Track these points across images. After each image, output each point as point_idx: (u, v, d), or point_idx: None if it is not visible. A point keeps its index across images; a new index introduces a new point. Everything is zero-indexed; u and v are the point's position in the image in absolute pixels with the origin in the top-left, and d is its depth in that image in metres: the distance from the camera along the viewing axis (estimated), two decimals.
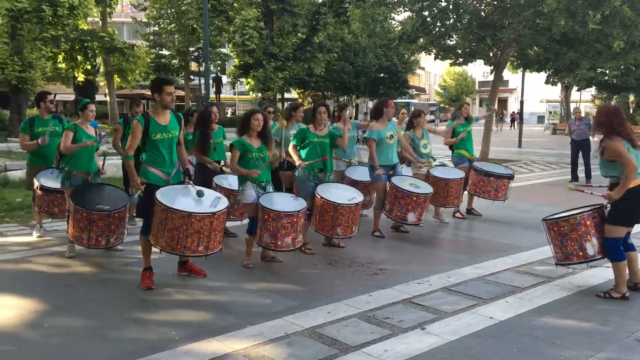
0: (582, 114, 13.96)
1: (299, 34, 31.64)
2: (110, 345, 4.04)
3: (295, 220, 5.76)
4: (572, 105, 43.86)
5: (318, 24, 30.66)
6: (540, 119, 56.71)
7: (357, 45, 37.94)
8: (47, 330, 4.31)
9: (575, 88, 40.00)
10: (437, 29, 16.77)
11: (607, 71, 30.78)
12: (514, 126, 32.97)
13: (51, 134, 6.82)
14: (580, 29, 13.41)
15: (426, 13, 16.62)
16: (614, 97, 40.34)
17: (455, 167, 8.70)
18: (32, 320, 4.49)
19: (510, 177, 8.47)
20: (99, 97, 40.73)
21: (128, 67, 32.10)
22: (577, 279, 5.60)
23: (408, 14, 17.57)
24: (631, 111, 42.41)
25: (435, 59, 18.97)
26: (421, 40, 17.24)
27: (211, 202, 5.17)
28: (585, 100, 49.05)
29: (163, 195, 5.02)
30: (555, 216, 5.53)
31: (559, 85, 38.50)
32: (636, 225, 5.14)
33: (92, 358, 3.85)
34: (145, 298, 5.03)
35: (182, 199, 5.12)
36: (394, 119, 7.80)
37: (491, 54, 18.17)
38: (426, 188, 7.29)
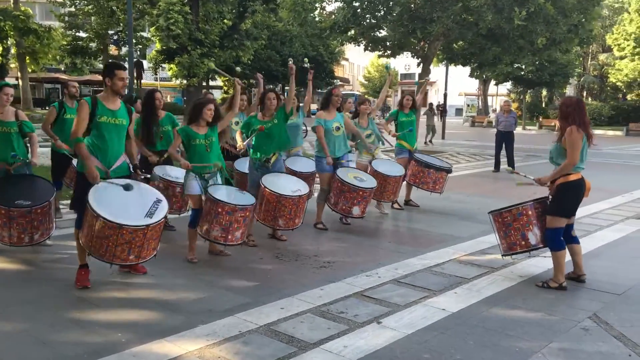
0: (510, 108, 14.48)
1: (225, 20, 30.95)
2: (50, 350, 3.74)
3: (247, 214, 5.61)
4: (490, 99, 45.78)
5: (246, 11, 30.11)
6: (459, 112, 58.73)
7: (288, 33, 37.68)
8: None
9: (493, 82, 41.68)
10: (367, 20, 16.88)
11: (524, 66, 32.29)
12: (439, 119, 34.01)
13: None
14: (506, 24, 13.92)
15: (357, 4, 16.70)
16: (529, 91, 42.41)
17: (396, 157, 8.77)
18: None
19: (449, 171, 8.63)
20: (10, 81, 38.19)
21: (41, 50, 30.31)
22: (519, 268, 5.77)
23: (339, 4, 17.60)
24: (543, 105, 44.79)
25: (365, 50, 19.16)
26: (352, 31, 17.31)
27: (148, 208, 4.73)
28: (501, 94, 51.27)
29: (96, 197, 4.59)
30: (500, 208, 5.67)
31: (477, 79, 40.04)
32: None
33: None
34: (82, 297, 4.71)
35: (117, 200, 4.69)
36: (347, 113, 7.82)
37: (419, 47, 18.54)
38: (371, 182, 7.29)
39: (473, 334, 4.13)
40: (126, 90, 5.48)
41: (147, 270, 5.35)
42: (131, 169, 5.19)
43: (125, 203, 4.73)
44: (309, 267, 5.72)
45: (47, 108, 36.48)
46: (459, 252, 6.34)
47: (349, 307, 4.58)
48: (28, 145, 6.12)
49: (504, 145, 14.04)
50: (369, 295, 4.88)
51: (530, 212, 5.42)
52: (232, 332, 4.06)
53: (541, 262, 5.91)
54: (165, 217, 4.86)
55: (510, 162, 13.91)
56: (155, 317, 4.35)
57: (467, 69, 36.36)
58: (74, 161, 6.82)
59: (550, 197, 5.31)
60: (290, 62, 6.75)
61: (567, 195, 5.15)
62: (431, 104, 23.52)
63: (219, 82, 45.28)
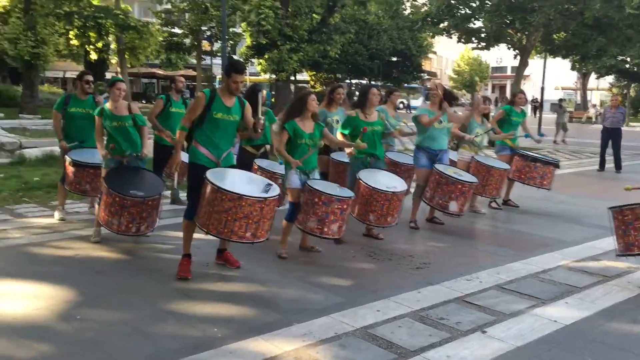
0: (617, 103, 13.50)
1: (314, 15, 31.04)
2: (151, 343, 3.75)
3: (345, 207, 5.49)
4: (589, 93, 43.27)
5: (335, 4, 30.03)
6: (554, 107, 56.04)
7: (377, 26, 37.30)
8: (80, 324, 4.02)
9: (593, 76, 39.31)
10: (462, 11, 16.28)
11: (628, 59, 30.17)
12: (535, 114, 32.47)
13: (85, 116, 6.57)
14: (616, 13, 12.92)
15: None
16: (633, 85, 39.64)
17: (497, 154, 8.36)
18: (63, 312, 4.21)
19: (557, 165, 8.13)
20: (110, 75, 40.36)
21: (140, 45, 31.66)
22: (636, 278, 5.27)
23: None
24: None
25: (458, 42, 18.52)
26: (445, 23, 16.76)
27: (263, 187, 4.89)
28: (602, 88, 48.33)
29: (214, 176, 4.74)
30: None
31: (575, 72, 37.89)
32: None
33: (132, 356, 3.56)
34: (180, 288, 4.73)
35: (232, 180, 4.85)
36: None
37: (516, 39, 17.68)
38: (471, 177, 6.96)
39: (591, 350, 3.75)
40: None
41: (240, 264, 5.32)
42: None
43: (240, 182, 4.88)
44: (405, 267, 5.49)
45: (143, 102, 38.31)
46: (567, 257, 5.89)
47: (450, 313, 4.32)
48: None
49: (610, 142, 13.11)
50: (471, 301, 4.59)
51: None
52: (328, 333, 3.92)
53: None
54: (279, 195, 4.93)
55: (617, 162, 12.98)
56: (250, 313, 4.29)
57: (564, 62, 34.50)
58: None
59: None
60: None
61: None
62: (561, 100, 22.14)
63: (306, 76, 45.60)
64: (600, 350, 3.77)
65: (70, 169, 6.50)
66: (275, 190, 4.88)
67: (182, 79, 7.54)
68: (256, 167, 6.55)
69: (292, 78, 36.80)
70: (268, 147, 6.93)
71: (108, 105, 5.96)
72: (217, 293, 4.72)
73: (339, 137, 6.31)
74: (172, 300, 4.47)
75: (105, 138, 6.03)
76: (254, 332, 3.92)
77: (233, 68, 4.93)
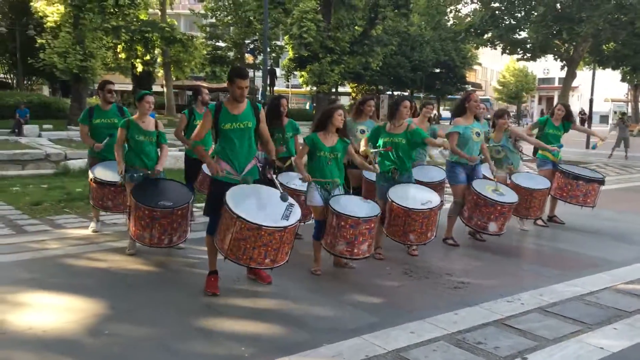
0: None
1: (356, 27, 31.02)
2: (175, 359, 3.67)
3: (372, 225, 5.31)
4: None
5: (377, 17, 29.94)
6: (603, 119, 54.32)
7: (420, 37, 37.01)
8: (108, 338, 3.98)
9: None
10: (507, 22, 15.92)
11: None
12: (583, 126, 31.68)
13: (111, 125, 6.59)
14: None
15: (496, 4, 15.80)
16: None
17: (538, 169, 8.04)
18: (92, 326, 4.18)
19: (601, 182, 7.74)
20: (155, 88, 41.28)
21: (185, 58, 32.28)
22: None
23: (475, 6, 16.79)
24: None
25: (502, 53, 18.11)
26: (489, 33, 16.42)
27: (283, 211, 4.68)
28: None
29: (234, 200, 4.58)
30: None
31: (626, 84, 36.67)
32: None
33: None
34: (209, 304, 4.66)
35: (252, 202, 4.69)
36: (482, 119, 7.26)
37: (563, 49, 17.17)
38: (511, 196, 6.64)
39: None
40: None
41: (272, 280, 5.22)
42: (261, 170, 5.10)
43: (260, 205, 4.71)
44: (442, 286, 5.28)
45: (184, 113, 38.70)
46: (616, 279, 5.56)
47: (488, 337, 4.10)
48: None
49: None
50: (511, 324, 4.35)
51: None
52: (358, 355, 3.76)
53: None
54: (299, 220, 4.74)
55: None
56: (279, 332, 4.17)
57: (614, 73, 33.43)
58: (204, 166, 6.95)
59: None
60: None
61: None
62: (623, 114, 21.37)
63: (347, 88, 45.58)
64: None
65: (93, 185, 6.56)
66: (295, 215, 4.69)
67: (207, 91, 7.46)
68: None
69: (334, 90, 36.88)
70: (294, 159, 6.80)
71: (136, 118, 5.97)
72: (246, 309, 4.62)
73: (363, 145, 6.10)
74: (201, 316, 4.40)
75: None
76: (282, 351, 3.79)
77: (235, 73, 4.83)
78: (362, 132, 7.00)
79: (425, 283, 5.38)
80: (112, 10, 21.85)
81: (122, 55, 30.61)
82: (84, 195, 8.84)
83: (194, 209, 7.47)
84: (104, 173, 6.54)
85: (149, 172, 5.92)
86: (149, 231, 5.53)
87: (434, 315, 4.49)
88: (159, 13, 33.84)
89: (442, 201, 6.39)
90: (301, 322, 4.35)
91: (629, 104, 42.62)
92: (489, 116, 7.98)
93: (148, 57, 32.28)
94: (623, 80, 31.42)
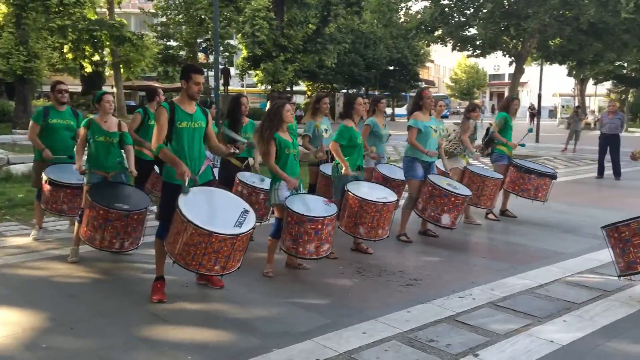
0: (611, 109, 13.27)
1: (309, 25, 30.96)
2: None
3: (319, 226, 5.18)
4: (587, 99, 43.18)
5: (329, 14, 29.96)
6: (551, 114, 55.88)
7: (373, 35, 37.22)
8: (45, 352, 3.77)
9: (591, 82, 39.18)
10: (456, 19, 16.10)
11: (625, 64, 30.05)
12: (532, 121, 32.36)
13: (67, 127, 6.39)
14: (611, 18, 12.73)
15: (445, 2, 15.96)
16: (631, 90, 39.48)
17: (493, 163, 8.15)
18: (29, 340, 3.95)
19: (553, 177, 7.88)
20: (105, 89, 40.26)
21: (135, 58, 31.54)
22: (637, 292, 5.01)
23: (425, 3, 16.94)
24: None
25: (452, 50, 18.34)
26: (439, 30, 16.59)
27: (237, 217, 4.54)
28: (600, 94, 48.22)
29: (186, 204, 4.42)
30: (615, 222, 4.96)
31: (573, 78, 37.78)
32: None
33: None
34: (155, 312, 4.48)
35: (205, 206, 4.56)
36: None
37: (511, 45, 17.49)
38: (465, 190, 6.73)
39: None
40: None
41: (223, 284, 5.07)
42: (213, 174, 5.04)
43: (214, 210, 4.60)
44: (394, 284, 5.23)
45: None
46: (565, 271, 5.63)
47: (440, 335, 4.06)
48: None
49: (608, 149, 12.88)
50: (463, 320, 4.33)
51: None
52: (309, 359, 3.66)
53: None
54: (253, 228, 4.59)
55: (616, 168, 12.75)
56: (227, 338, 4.04)
57: (562, 68, 34.34)
58: (157, 167, 6.75)
59: None
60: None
61: None
62: (578, 107, 21.68)
63: (302, 87, 45.51)
64: None
65: (47, 187, 6.25)
66: (249, 223, 4.54)
67: (161, 92, 7.30)
68: (237, 181, 6.30)
69: (289, 88, 36.73)
70: (251, 160, 6.70)
71: (97, 119, 5.74)
72: (194, 316, 4.47)
73: (335, 148, 6.04)
74: (146, 326, 4.22)
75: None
76: (230, 359, 3.67)
77: (191, 69, 4.68)
78: (326, 130, 6.95)
79: (378, 281, 5.33)
80: (56, 9, 21.10)
81: (69, 56, 29.69)
82: (27, 202, 8.47)
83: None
84: (58, 175, 6.25)
85: (109, 173, 5.71)
86: (101, 233, 5.30)
87: (386, 314, 4.44)
88: (107, 12, 32.95)
89: (397, 200, 6.37)
90: (251, 326, 4.23)
91: (576, 98, 43.88)
92: (448, 113, 8.05)
93: (97, 57, 31.39)
94: (569, 75, 32.34)
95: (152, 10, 35.47)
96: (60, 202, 6.25)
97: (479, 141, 8.14)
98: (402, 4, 16.38)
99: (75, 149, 5.89)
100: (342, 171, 5.95)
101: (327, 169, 6.85)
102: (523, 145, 8.20)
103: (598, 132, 13.83)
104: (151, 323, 4.27)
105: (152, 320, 4.33)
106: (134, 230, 5.45)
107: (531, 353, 3.77)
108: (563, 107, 49.43)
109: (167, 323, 4.27)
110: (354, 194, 5.79)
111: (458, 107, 51.31)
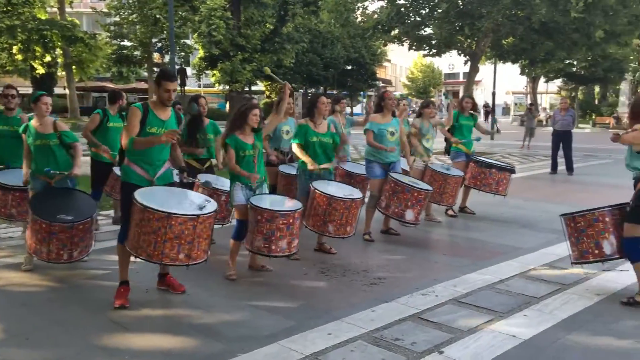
0: (561, 106, 13.66)
1: (266, 25, 30.82)
2: None
3: (291, 221, 5.16)
4: (539, 97, 44.37)
5: (286, 14, 29.89)
6: (505, 111, 57.19)
7: (330, 34, 37.32)
8: None
9: (542, 79, 40.26)
10: (412, 19, 16.29)
11: (575, 62, 31.00)
12: (487, 119, 33.05)
13: (15, 134, 6.03)
14: (562, 17, 13.09)
15: (401, 2, 16.12)
16: (580, 88, 40.77)
17: (452, 161, 8.26)
18: None
19: (512, 171, 8.06)
20: (58, 90, 39.17)
21: (88, 59, 30.82)
22: (594, 285, 5.15)
23: (382, 3, 17.08)
24: (596, 102, 43.02)
25: (409, 49, 18.55)
26: (396, 30, 16.75)
27: (198, 204, 4.52)
28: (551, 91, 49.60)
29: (142, 194, 4.37)
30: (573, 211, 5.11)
31: (525, 76, 38.78)
32: None
33: None
34: (115, 319, 4.35)
35: (164, 199, 4.48)
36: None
37: (466, 45, 17.81)
38: (426, 185, 6.81)
39: None
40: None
41: (185, 289, 4.97)
42: (176, 174, 4.91)
43: (174, 200, 4.52)
44: (359, 284, 5.24)
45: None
46: (524, 265, 5.75)
47: (405, 333, 4.08)
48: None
49: (561, 145, 13.25)
50: (427, 318, 4.36)
51: (607, 219, 4.86)
52: None
53: (619, 277, 5.28)
54: (215, 212, 4.53)
55: (569, 164, 13.12)
56: (190, 344, 3.95)
57: (514, 67, 35.20)
58: (116, 169, 6.59)
59: (630, 202, 4.70)
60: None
61: None
62: (531, 105, 22.00)
63: (261, 87, 45.26)
64: None
65: None
66: (211, 207, 4.53)
67: (124, 95, 7.18)
68: (198, 183, 6.20)
69: (247, 88, 36.48)
70: (214, 161, 6.62)
71: (33, 122, 5.52)
72: (156, 322, 4.37)
73: (295, 148, 6.03)
74: (105, 334, 4.10)
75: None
76: None
77: (163, 75, 4.59)
78: (287, 132, 6.88)
79: (342, 281, 5.33)
80: (4, 8, 20.48)
81: (19, 57, 28.78)
82: None
83: (100, 217, 7.09)
84: (6, 177, 6.01)
85: (52, 178, 5.50)
86: (47, 246, 5.10)
87: (351, 314, 4.43)
88: (58, 12, 32.04)
89: (363, 196, 6.38)
90: (215, 331, 4.16)
91: (528, 95, 45.02)
92: (411, 112, 8.15)
93: (48, 58, 30.52)
94: (522, 73, 33.22)
95: (105, 10, 34.68)
96: (9, 205, 6.01)
97: (439, 139, 8.24)
98: (359, 4, 16.50)
99: (23, 156, 5.62)
100: (308, 167, 5.92)
101: (286, 169, 6.82)
102: (478, 140, 8.30)
103: (550, 129, 14.21)
104: (111, 331, 4.15)
105: (111, 328, 4.21)
106: (82, 239, 5.25)
107: (494, 348, 3.82)
108: (516, 104, 50.58)
109: (128, 330, 4.15)
110: (321, 192, 5.77)
111: (414, 106, 51.89)
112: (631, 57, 36.23)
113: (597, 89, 43.22)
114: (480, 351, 3.78)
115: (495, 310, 4.53)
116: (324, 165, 6.01)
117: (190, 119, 6.33)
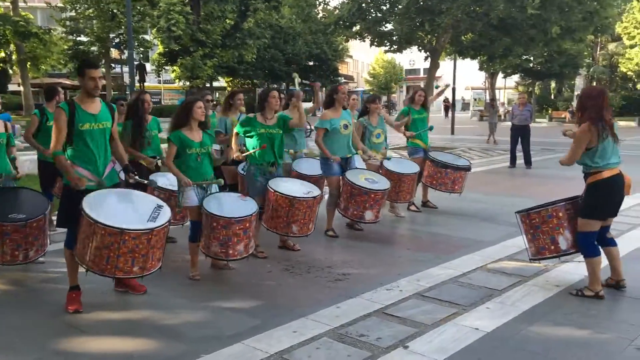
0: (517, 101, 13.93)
1: (227, 20, 30.50)
2: None
3: (247, 225, 5.07)
4: (497, 92, 45.20)
5: (248, 9, 29.64)
6: (465, 106, 58.08)
7: (292, 30, 37.18)
8: None
9: (500, 75, 41.00)
10: (373, 14, 16.35)
11: (532, 58, 31.67)
12: (447, 114, 33.48)
13: None
14: (519, 14, 13.34)
15: None
16: (537, 83, 41.67)
17: (410, 157, 8.29)
18: None
19: (468, 169, 8.13)
20: (12, 87, 37.96)
21: (42, 54, 29.92)
22: (553, 276, 5.25)
23: None
24: (552, 97, 44.08)
25: (370, 45, 18.61)
26: (357, 26, 16.79)
27: (150, 213, 4.35)
28: (509, 87, 50.56)
29: (90, 205, 4.17)
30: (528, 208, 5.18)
31: (483, 72, 39.41)
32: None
33: None
34: (72, 323, 4.22)
35: (114, 206, 4.31)
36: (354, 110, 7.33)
37: (426, 41, 17.98)
38: (383, 183, 6.77)
39: (515, 359, 3.62)
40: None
41: (146, 289, 4.86)
42: (121, 174, 4.75)
43: (124, 209, 4.34)
44: (323, 280, 5.22)
45: None
46: (485, 258, 5.83)
47: (370, 329, 4.08)
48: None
49: (519, 139, 13.50)
50: (392, 313, 4.37)
51: (561, 214, 4.93)
52: None
53: (577, 269, 5.38)
54: (169, 222, 4.40)
55: (527, 158, 13.39)
56: (152, 346, 3.87)
57: (473, 62, 35.75)
58: None
59: (581, 197, 4.80)
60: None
61: (598, 195, 4.63)
62: (492, 100, 22.15)
63: (222, 83, 44.82)
64: (524, 358, 3.64)
65: None
66: (164, 216, 4.37)
67: (62, 90, 6.86)
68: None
69: (208, 85, 36.07)
70: (159, 159, 6.41)
71: None
72: (116, 325, 4.25)
73: (233, 143, 5.94)
74: (63, 338, 3.97)
75: None
76: None
77: (85, 64, 4.40)
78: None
79: (306, 278, 5.30)
80: None
81: None
82: None
83: (54, 218, 6.86)
84: None
85: (0, 178, 5.30)
86: (0, 247, 4.92)
87: (316, 311, 4.41)
88: (11, 7, 30.99)
89: (321, 192, 6.35)
90: (177, 332, 4.07)
91: (487, 91, 45.80)
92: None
93: (2, 54, 29.53)
94: (481, 68, 33.76)
95: (60, 4, 33.73)
96: None
97: (389, 134, 8.18)
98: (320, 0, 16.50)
99: None
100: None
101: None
102: (431, 128, 8.29)
103: (509, 124, 14.47)
104: (68, 335, 4.02)
105: (68, 332, 4.08)
106: (36, 238, 5.09)
107: (458, 341, 3.85)
108: (475, 99, 51.37)
109: (86, 334, 4.03)
110: (282, 193, 5.68)
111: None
112: (585, 53, 37.28)
113: (553, 84, 44.28)
114: (445, 345, 3.80)
115: (458, 303, 4.57)
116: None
117: (134, 116, 6.11)
